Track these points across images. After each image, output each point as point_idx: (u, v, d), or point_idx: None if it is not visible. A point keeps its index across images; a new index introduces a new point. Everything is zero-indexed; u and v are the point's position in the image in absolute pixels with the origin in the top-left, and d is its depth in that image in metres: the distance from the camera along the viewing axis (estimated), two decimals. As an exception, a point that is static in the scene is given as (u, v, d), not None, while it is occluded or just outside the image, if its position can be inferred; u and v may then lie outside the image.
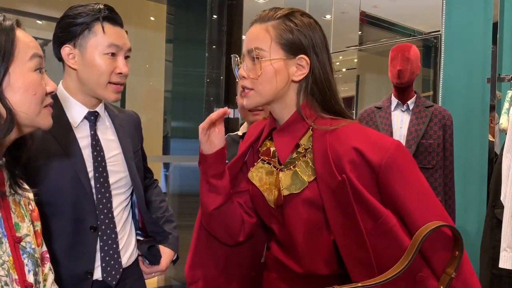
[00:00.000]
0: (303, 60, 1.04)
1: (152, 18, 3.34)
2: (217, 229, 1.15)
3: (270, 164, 1.12)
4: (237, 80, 1.14)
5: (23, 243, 0.88)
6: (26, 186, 0.94)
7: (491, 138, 2.53)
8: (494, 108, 2.49)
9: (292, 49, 1.04)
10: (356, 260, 1.00)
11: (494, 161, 2.39)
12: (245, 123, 1.95)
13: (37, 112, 0.88)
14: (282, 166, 1.09)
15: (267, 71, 1.03)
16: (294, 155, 1.08)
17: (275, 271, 1.17)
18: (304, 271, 1.09)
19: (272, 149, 1.13)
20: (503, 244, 2.07)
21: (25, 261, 0.87)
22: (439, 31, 2.88)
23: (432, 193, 1.01)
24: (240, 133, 1.96)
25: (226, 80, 3.09)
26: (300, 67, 1.05)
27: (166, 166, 3.31)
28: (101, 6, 1.23)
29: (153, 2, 3.25)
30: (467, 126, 2.67)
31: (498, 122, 2.35)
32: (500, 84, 2.49)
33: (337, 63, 3.69)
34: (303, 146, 1.07)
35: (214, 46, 3.17)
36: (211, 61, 3.18)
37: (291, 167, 1.07)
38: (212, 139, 1.06)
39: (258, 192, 1.13)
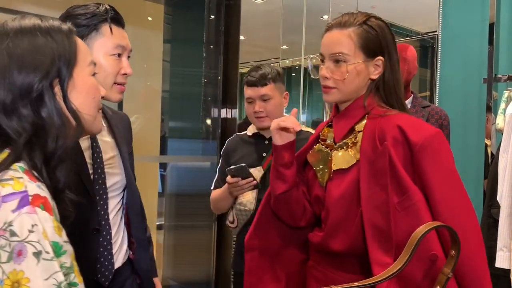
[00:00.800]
0: (380, 61, 1.18)
1: (149, 18, 3.34)
2: (281, 211, 1.29)
3: (327, 147, 1.24)
4: (313, 76, 1.27)
5: None
6: None
7: (486, 141, 2.54)
8: (491, 108, 2.50)
9: (371, 52, 1.17)
10: (377, 230, 1.07)
11: (491, 161, 2.40)
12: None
13: (94, 116, 0.89)
14: (337, 146, 1.21)
15: (352, 74, 1.16)
16: (349, 137, 1.20)
17: (311, 259, 1.29)
18: (331, 249, 1.18)
19: (330, 134, 1.26)
20: (499, 244, 2.08)
21: None
22: (435, 31, 2.89)
23: (461, 184, 1.09)
24: (249, 133, 1.98)
25: (223, 80, 3.09)
26: (376, 67, 1.18)
27: (163, 166, 3.31)
28: (107, 7, 1.24)
29: (150, 2, 3.25)
30: (464, 126, 2.68)
31: (495, 123, 2.36)
32: (497, 84, 2.50)
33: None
34: (357, 130, 1.19)
35: (211, 46, 3.17)
36: (208, 61, 3.17)
37: (345, 147, 1.19)
38: (283, 132, 1.20)
39: (312, 172, 1.25)
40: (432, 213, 1.04)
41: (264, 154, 1.89)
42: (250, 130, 1.98)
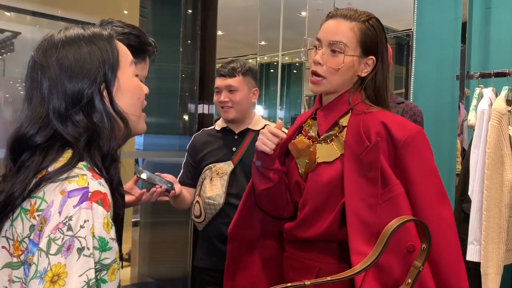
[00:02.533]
0: (371, 60, 1.21)
1: (125, 12, 3.28)
2: (264, 205, 1.31)
3: (309, 139, 1.26)
4: (305, 61, 1.31)
5: None
6: None
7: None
8: (463, 105, 2.55)
9: (367, 49, 1.20)
10: (360, 221, 1.09)
11: (462, 156, 2.45)
12: (221, 119, 1.96)
13: (139, 116, 0.91)
14: (320, 139, 1.23)
15: (346, 66, 1.18)
16: (332, 131, 1.22)
17: (286, 250, 1.31)
18: (303, 236, 1.21)
19: (313, 127, 1.28)
20: (470, 237, 2.13)
21: None
22: (411, 29, 2.93)
23: (439, 180, 1.14)
24: (218, 127, 1.97)
25: (200, 76, 3.06)
26: (366, 66, 1.21)
27: (139, 162, 3.27)
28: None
29: (126, -5, 3.20)
30: (437, 122, 2.73)
31: (467, 119, 2.41)
32: (469, 81, 2.55)
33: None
34: (341, 124, 1.21)
35: (188, 41, 3.14)
36: (185, 56, 3.14)
37: (328, 141, 1.21)
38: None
39: (293, 162, 1.26)
40: (411, 206, 1.08)
41: (234, 149, 1.89)
42: (219, 125, 1.97)
